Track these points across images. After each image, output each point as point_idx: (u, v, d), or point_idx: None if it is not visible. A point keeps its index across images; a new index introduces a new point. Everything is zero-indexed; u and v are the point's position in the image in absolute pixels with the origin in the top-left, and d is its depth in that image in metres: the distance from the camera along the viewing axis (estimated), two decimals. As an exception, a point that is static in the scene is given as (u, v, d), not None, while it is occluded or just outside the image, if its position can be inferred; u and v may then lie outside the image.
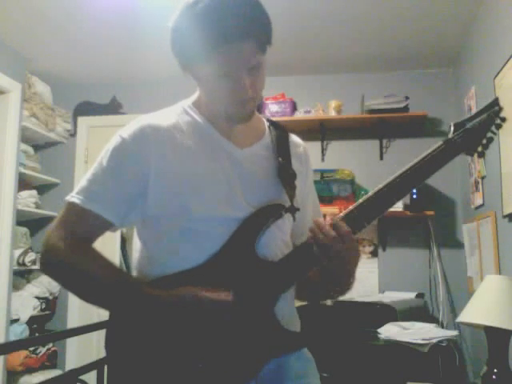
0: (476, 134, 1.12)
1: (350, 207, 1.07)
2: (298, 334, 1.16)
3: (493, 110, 1.12)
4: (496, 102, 1.14)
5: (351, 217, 1.06)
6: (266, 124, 1.24)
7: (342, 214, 1.06)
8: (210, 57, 1.01)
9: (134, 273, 1.17)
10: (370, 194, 1.08)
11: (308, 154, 1.30)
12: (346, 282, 1.12)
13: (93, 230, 1.10)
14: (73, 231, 1.07)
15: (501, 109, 1.13)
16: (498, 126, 1.13)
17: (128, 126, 1.12)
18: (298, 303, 1.23)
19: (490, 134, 1.12)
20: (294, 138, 1.28)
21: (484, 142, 1.13)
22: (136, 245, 1.17)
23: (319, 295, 1.29)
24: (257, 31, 1.01)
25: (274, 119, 1.29)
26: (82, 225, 1.08)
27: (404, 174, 1.08)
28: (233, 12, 0.98)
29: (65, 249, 1.05)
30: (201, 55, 1.02)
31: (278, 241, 1.13)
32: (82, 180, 1.11)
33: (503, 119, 1.13)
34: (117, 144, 1.10)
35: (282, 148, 1.20)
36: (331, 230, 1.01)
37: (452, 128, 1.12)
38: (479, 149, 1.13)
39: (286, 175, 1.16)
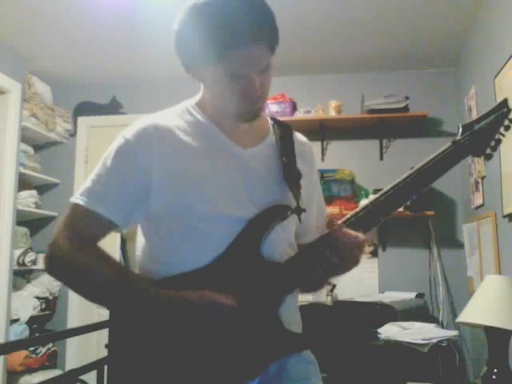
0: (484, 136, 1.12)
1: (357, 209, 1.09)
2: (302, 336, 1.16)
3: (501, 112, 1.12)
4: (505, 103, 1.13)
5: (359, 218, 1.07)
6: (270, 123, 1.24)
7: (348, 215, 1.07)
8: (220, 60, 1.00)
9: (137, 272, 1.16)
10: (377, 195, 1.09)
11: (312, 152, 1.30)
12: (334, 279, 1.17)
13: (97, 230, 1.10)
14: (77, 232, 1.07)
15: (509, 110, 1.13)
16: (507, 128, 1.13)
17: (131, 126, 1.12)
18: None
19: (498, 136, 1.13)
20: (299, 136, 1.28)
21: (492, 143, 1.13)
22: (139, 244, 1.17)
23: (309, 288, 1.29)
24: (268, 34, 1.01)
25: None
26: (87, 226, 1.08)
27: (412, 175, 1.09)
28: (244, 16, 0.98)
29: (70, 250, 1.05)
30: (210, 58, 1.01)
31: (282, 242, 1.13)
32: (86, 181, 1.11)
33: None
34: (120, 144, 1.10)
35: (286, 147, 1.19)
36: (349, 237, 1.03)
37: (460, 129, 1.13)
38: (487, 151, 1.13)
39: (291, 175, 1.15)
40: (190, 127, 1.13)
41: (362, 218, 1.07)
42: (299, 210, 1.12)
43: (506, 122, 1.13)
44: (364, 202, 1.10)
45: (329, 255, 1.03)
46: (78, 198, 1.08)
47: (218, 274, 1.05)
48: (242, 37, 0.98)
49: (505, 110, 1.13)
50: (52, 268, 1.09)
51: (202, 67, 1.06)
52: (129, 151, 1.09)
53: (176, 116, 1.15)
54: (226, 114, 1.12)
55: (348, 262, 1.06)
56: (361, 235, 1.04)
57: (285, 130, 1.23)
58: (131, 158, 1.08)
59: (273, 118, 1.26)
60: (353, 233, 1.04)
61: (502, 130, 1.13)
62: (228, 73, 1.02)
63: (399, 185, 1.09)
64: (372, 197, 1.11)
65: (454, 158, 1.10)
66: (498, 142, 1.13)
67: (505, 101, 1.14)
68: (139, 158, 1.08)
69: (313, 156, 1.30)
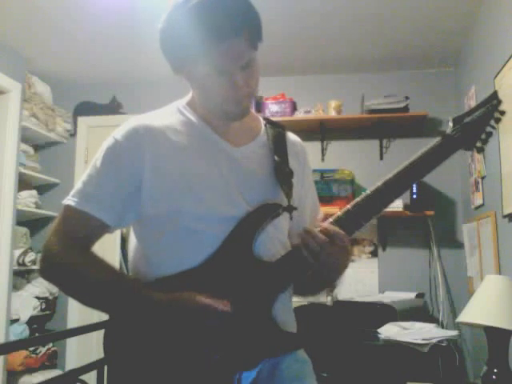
0: (475, 129, 1.10)
1: (348, 206, 1.07)
2: (295, 335, 1.15)
3: (491, 104, 1.10)
4: (495, 95, 1.11)
5: (349, 215, 1.06)
6: (263, 123, 1.24)
7: (339, 213, 1.06)
8: (202, 55, 1.01)
9: (131, 274, 1.16)
10: (368, 191, 1.08)
11: (306, 153, 1.28)
12: (334, 280, 1.14)
13: (89, 231, 1.09)
14: (69, 234, 1.07)
15: (499, 102, 1.10)
16: (498, 120, 1.10)
17: (121, 126, 1.12)
18: (297, 303, 1.23)
19: (489, 129, 1.10)
20: (291, 136, 1.27)
21: (483, 136, 1.11)
22: (132, 245, 1.16)
23: (306, 291, 1.26)
24: (248, 27, 1.02)
25: (273, 119, 1.28)
26: (79, 227, 1.08)
27: (403, 170, 1.08)
28: (224, 9, 0.99)
29: (61, 252, 1.05)
30: (193, 54, 1.02)
31: (274, 240, 1.12)
32: (77, 182, 1.11)
33: (502, 113, 1.10)
34: (110, 145, 1.10)
35: (278, 146, 1.19)
36: (321, 235, 1.01)
37: (451, 123, 1.10)
38: (478, 144, 1.11)
39: (282, 173, 1.15)
40: (181, 127, 1.13)
41: (352, 215, 1.06)
42: (290, 208, 1.12)
43: (497, 115, 1.10)
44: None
45: (306, 255, 1.02)
46: (69, 200, 1.08)
47: (211, 273, 1.05)
48: (221, 30, 0.98)
49: (495, 101, 1.11)
50: (43, 270, 1.09)
51: (188, 65, 1.06)
52: (119, 152, 1.09)
53: (167, 116, 1.14)
54: (214, 112, 1.12)
55: (328, 262, 1.03)
56: (340, 232, 1.02)
57: (277, 130, 1.22)
58: (122, 159, 1.08)
59: (265, 118, 1.25)
60: (331, 230, 1.02)
61: (492, 122, 1.11)
62: (211, 69, 1.02)
63: (390, 181, 1.08)
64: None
65: (444, 151, 1.08)
66: (489, 134, 1.11)
67: (495, 93, 1.12)
68: (130, 158, 1.07)
69: (306, 156, 1.28)
